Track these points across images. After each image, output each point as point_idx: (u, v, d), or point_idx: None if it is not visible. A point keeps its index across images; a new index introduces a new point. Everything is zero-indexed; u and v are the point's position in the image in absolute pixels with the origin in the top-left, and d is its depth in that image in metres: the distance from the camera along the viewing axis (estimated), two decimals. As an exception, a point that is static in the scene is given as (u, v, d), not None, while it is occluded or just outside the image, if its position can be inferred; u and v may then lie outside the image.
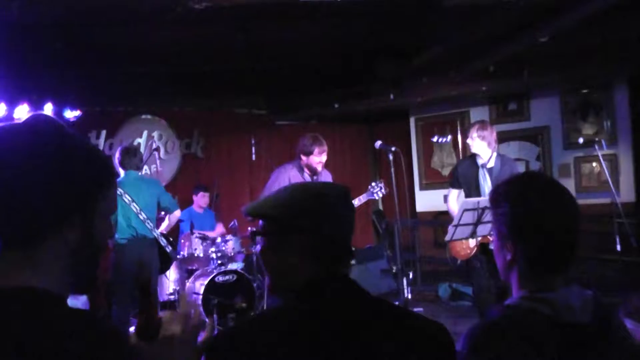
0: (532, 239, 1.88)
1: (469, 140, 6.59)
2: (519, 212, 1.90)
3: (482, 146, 6.50)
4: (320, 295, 1.75)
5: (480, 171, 6.57)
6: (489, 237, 5.98)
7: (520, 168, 8.38)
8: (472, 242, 6.37)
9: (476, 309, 7.04)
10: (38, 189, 1.30)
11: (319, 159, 6.49)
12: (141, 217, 6.79)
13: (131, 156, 7.01)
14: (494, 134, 6.56)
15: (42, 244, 1.32)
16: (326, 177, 6.74)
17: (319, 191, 1.88)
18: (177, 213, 7.54)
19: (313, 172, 6.58)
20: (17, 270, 1.30)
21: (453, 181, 6.89)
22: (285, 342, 1.65)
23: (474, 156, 6.66)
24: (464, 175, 6.72)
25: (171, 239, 7.64)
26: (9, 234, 1.30)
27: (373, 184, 7.02)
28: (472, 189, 6.65)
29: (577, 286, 1.87)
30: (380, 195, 7.02)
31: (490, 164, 6.55)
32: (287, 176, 6.49)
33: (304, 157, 6.51)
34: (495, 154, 6.57)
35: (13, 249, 1.31)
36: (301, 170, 6.56)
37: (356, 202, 6.75)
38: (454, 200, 6.83)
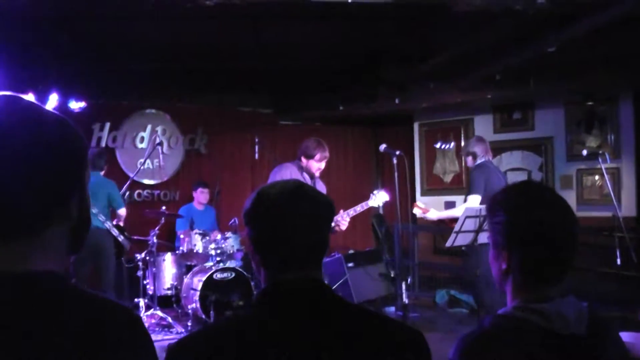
0: (527, 249, 1.86)
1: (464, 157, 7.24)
2: (515, 221, 1.89)
3: (470, 162, 7.09)
4: (277, 301, 1.74)
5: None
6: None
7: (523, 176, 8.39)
8: None
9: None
10: (49, 171, 1.32)
11: (318, 165, 6.50)
12: (94, 211, 7.38)
13: (99, 158, 8.15)
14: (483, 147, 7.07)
15: (50, 225, 1.34)
16: (321, 187, 6.70)
17: (264, 189, 1.84)
18: (121, 211, 8.25)
19: (311, 175, 6.60)
20: (30, 254, 1.31)
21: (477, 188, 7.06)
22: (238, 350, 1.63)
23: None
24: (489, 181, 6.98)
25: (125, 231, 8.24)
26: (21, 220, 1.31)
27: (375, 191, 7.02)
28: None
29: (573, 298, 1.85)
30: (381, 203, 7.00)
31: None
32: (288, 172, 6.49)
33: (304, 160, 6.52)
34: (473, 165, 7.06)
35: (25, 234, 1.31)
36: (301, 170, 6.56)
37: (358, 208, 6.77)
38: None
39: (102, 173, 8.18)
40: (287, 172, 6.48)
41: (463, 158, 7.18)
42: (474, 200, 6.58)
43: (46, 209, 1.33)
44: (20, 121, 1.32)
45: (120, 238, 8.04)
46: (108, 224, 7.88)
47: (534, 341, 1.76)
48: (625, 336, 3.35)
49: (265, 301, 1.77)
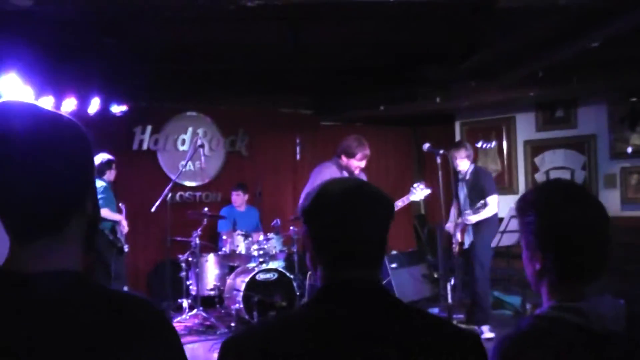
0: (561, 248, 1.84)
1: (459, 161, 7.69)
2: (548, 221, 1.86)
3: (465, 164, 7.72)
4: (334, 301, 1.72)
5: (459, 184, 7.79)
6: (459, 237, 7.56)
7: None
8: (455, 242, 7.52)
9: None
10: (67, 174, 1.37)
11: (358, 163, 6.48)
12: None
13: (108, 168, 8.50)
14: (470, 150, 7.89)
15: (69, 224, 1.38)
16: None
17: (324, 187, 1.83)
18: (103, 212, 8.14)
19: (350, 174, 6.57)
20: (51, 253, 1.35)
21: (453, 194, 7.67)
22: (298, 348, 1.63)
23: (456, 172, 7.88)
24: (454, 189, 7.82)
25: (117, 231, 8.50)
26: (43, 220, 1.35)
27: (415, 184, 7.01)
28: (457, 200, 7.88)
29: (609, 296, 1.82)
30: (422, 197, 6.99)
31: (467, 177, 7.74)
32: (328, 172, 6.47)
33: (344, 158, 6.50)
34: (471, 167, 7.81)
35: (46, 233, 1.35)
36: (340, 169, 6.54)
37: (399, 203, 6.75)
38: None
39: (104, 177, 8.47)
40: (326, 173, 6.47)
41: (453, 160, 7.58)
42: (495, 200, 6.95)
43: (66, 209, 1.37)
44: (39, 128, 1.36)
45: (110, 237, 8.38)
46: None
47: (572, 340, 1.74)
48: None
49: (323, 299, 1.75)
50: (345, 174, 6.53)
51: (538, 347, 1.74)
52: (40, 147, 1.33)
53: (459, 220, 7.66)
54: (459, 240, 7.67)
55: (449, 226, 7.83)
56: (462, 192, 7.78)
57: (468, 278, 7.87)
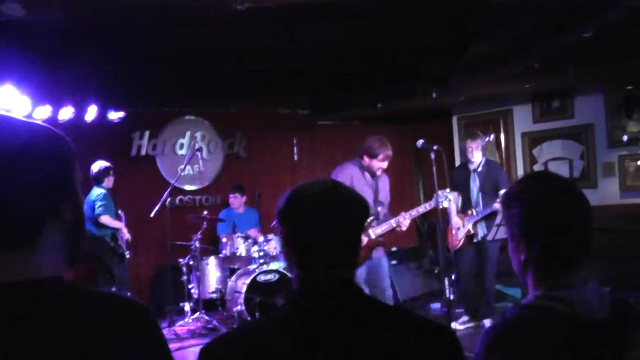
0: (544, 238, 1.87)
1: (475, 152, 7.79)
2: (530, 212, 1.90)
3: (479, 155, 7.81)
4: (310, 303, 1.75)
5: (471, 175, 7.79)
6: (470, 230, 7.65)
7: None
8: (461, 234, 7.60)
9: (458, 294, 7.99)
10: (37, 180, 1.35)
11: (380, 164, 6.40)
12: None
13: (106, 175, 8.56)
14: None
15: (42, 232, 1.37)
16: (384, 181, 6.72)
17: (297, 189, 1.85)
18: (103, 219, 8.38)
19: (372, 174, 6.51)
20: (28, 263, 1.34)
21: (451, 186, 7.42)
22: (276, 351, 1.65)
23: (465, 163, 8.00)
24: (456, 180, 7.86)
25: (117, 238, 8.61)
26: (14, 230, 1.34)
27: (439, 192, 6.96)
28: (464, 191, 7.93)
29: (594, 283, 1.85)
30: (447, 204, 6.98)
31: (479, 169, 7.80)
32: (349, 173, 6.39)
33: (366, 159, 6.41)
34: (484, 160, 7.88)
35: (19, 243, 1.35)
36: (362, 169, 6.49)
37: (421, 209, 6.76)
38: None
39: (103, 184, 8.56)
40: (347, 173, 6.38)
41: (468, 151, 7.61)
42: None
43: (38, 216, 1.36)
44: (5, 136, 1.35)
45: (112, 244, 8.48)
46: (98, 232, 8.38)
47: (557, 328, 1.76)
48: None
49: (299, 301, 1.78)
50: (367, 175, 6.48)
51: (523, 336, 1.76)
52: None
53: (471, 212, 7.71)
54: (471, 232, 7.73)
55: (456, 221, 7.83)
56: (475, 184, 7.80)
57: (474, 270, 7.89)
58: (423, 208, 6.79)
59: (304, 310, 1.73)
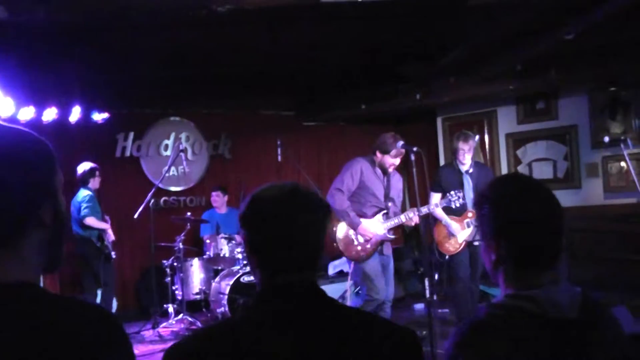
0: (513, 237, 1.89)
1: (467, 154, 7.46)
2: (500, 212, 1.92)
3: (470, 157, 7.51)
4: (272, 305, 1.76)
5: (464, 177, 7.47)
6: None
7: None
8: (461, 238, 7.35)
9: (452, 299, 7.97)
10: (14, 184, 1.35)
11: (393, 160, 6.50)
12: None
13: (91, 176, 8.59)
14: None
15: (24, 235, 1.37)
16: (397, 180, 6.85)
17: (258, 193, 1.86)
18: (89, 220, 8.36)
19: (384, 171, 6.62)
20: (5, 266, 1.34)
21: (435, 186, 7.51)
22: (238, 351, 1.66)
23: (453, 163, 7.64)
24: (446, 181, 7.49)
25: (104, 239, 8.57)
26: None
27: (452, 192, 6.96)
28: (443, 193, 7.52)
29: (566, 283, 1.87)
30: (458, 204, 6.99)
31: (470, 170, 7.51)
32: (360, 167, 6.53)
33: (379, 154, 6.53)
34: (472, 161, 7.59)
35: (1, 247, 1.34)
36: (373, 165, 6.59)
37: (432, 207, 6.88)
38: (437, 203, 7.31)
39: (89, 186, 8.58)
40: (358, 167, 6.53)
41: (460, 153, 7.48)
42: None
43: (15, 221, 1.35)
44: None
45: (98, 244, 8.48)
46: (83, 232, 8.43)
47: (526, 327, 1.77)
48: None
49: (259, 304, 1.79)
50: (379, 170, 6.60)
51: (493, 334, 1.77)
52: None
53: (472, 214, 7.45)
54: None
55: (456, 227, 7.50)
56: (469, 186, 7.50)
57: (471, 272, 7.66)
58: (434, 206, 6.94)
59: (268, 313, 1.74)
